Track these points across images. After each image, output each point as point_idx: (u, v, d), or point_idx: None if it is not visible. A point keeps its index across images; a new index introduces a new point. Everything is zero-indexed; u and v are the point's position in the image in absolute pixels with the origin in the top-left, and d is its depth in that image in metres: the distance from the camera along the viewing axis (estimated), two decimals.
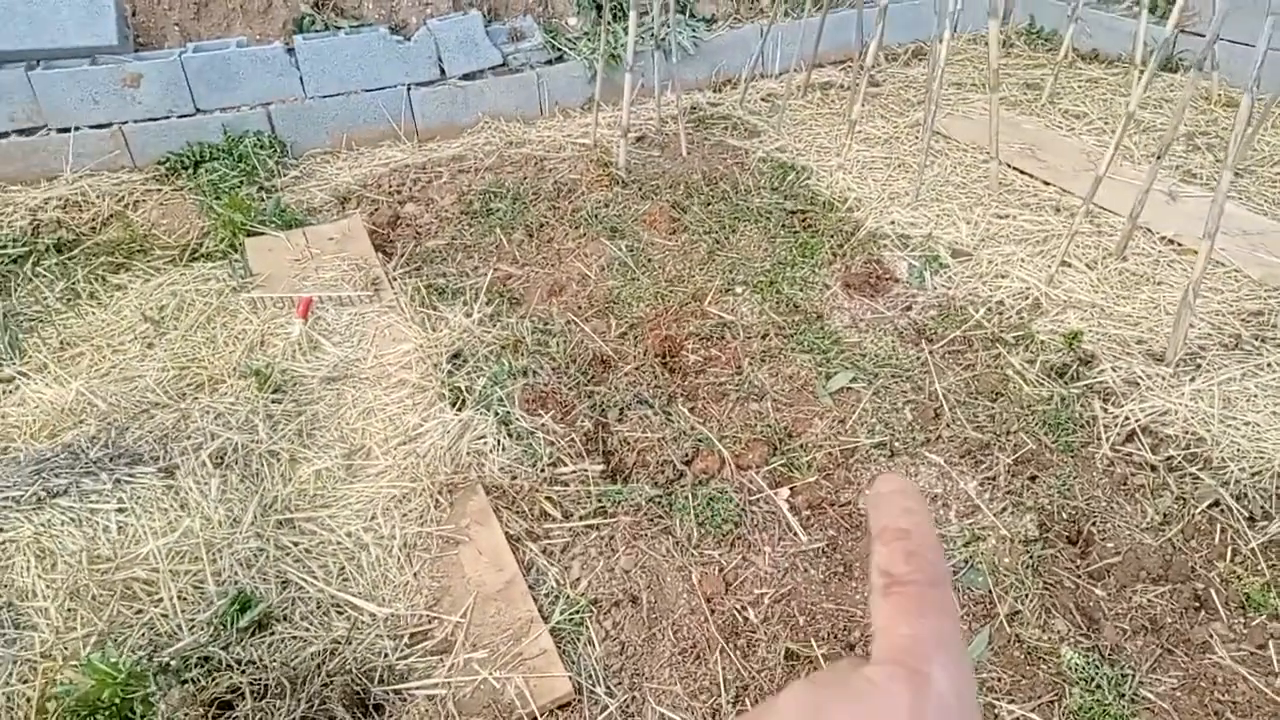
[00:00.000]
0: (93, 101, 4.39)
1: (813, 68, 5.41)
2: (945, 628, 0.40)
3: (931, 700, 0.37)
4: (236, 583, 2.31)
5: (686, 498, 2.67)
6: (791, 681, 0.38)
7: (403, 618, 2.28)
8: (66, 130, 4.40)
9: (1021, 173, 4.46)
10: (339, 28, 4.85)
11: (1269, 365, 3.07)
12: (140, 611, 2.23)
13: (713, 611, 2.34)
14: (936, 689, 0.37)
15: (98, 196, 4.27)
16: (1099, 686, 2.13)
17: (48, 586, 2.25)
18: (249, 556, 2.39)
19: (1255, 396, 2.94)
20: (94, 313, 3.54)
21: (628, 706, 2.14)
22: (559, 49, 5.21)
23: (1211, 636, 2.27)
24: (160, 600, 2.25)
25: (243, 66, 4.57)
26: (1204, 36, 3.33)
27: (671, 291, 3.69)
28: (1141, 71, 4.40)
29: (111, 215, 4.22)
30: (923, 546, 0.42)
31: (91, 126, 4.43)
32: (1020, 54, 6.02)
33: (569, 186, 4.48)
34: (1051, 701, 2.12)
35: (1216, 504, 2.59)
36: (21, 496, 2.45)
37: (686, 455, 2.87)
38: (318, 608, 2.30)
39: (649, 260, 3.90)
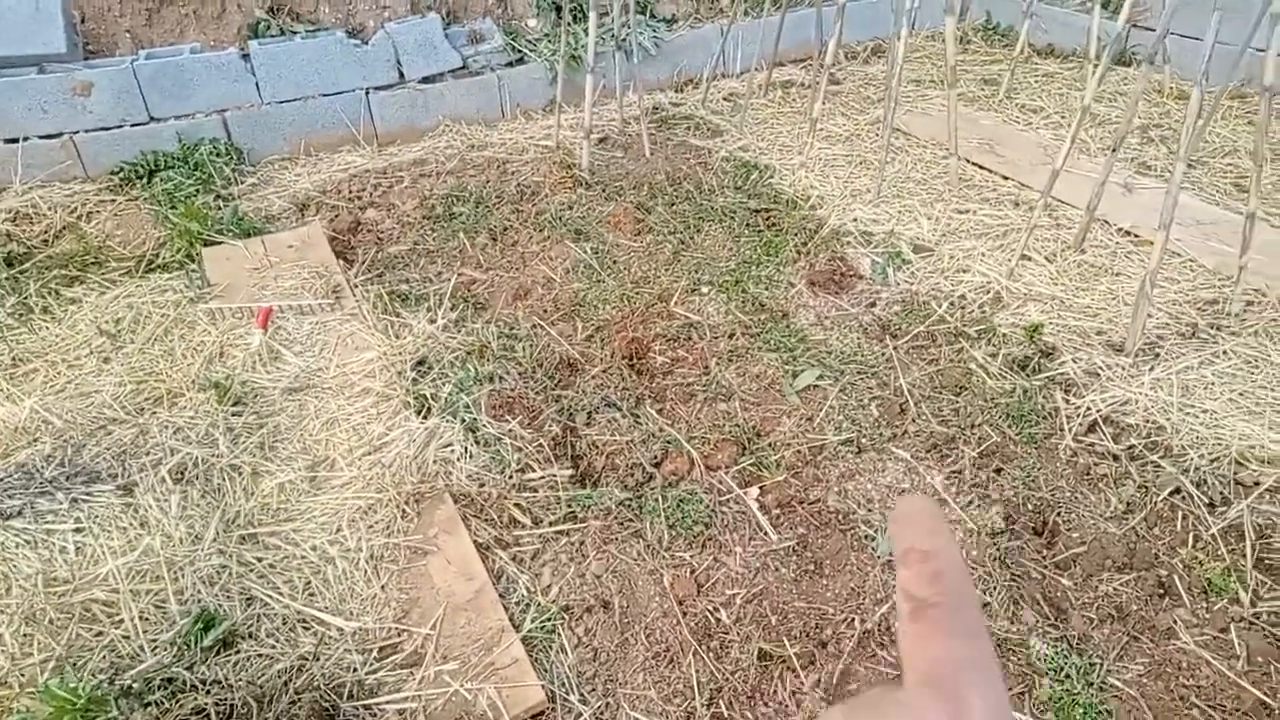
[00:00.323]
0: (41, 111, 4.29)
1: (773, 66, 5.43)
2: (977, 650, 0.38)
3: None
4: (199, 601, 2.26)
5: (656, 500, 2.66)
6: (828, 709, 0.37)
7: (371, 631, 2.25)
8: (14, 141, 4.29)
9: (981, 168, 4.50)
10: (295, 32, 4.78)
11: (1225, 353, 3.12)
12: (100, 634, 2.18)
13: (685, 614, 2.34)
14: (974, 716, 0.36)
15: (49, 208, 4.17)
16: (1068, 676, 2.15)
17: (1, 611, 2.19)
18: (212, 574, 2.34)
19: (1212, 384, 2.99)
20: (47, 327, 3.46)
21: (601, 713, 2.13)
22: (519, 51, 5.18)
23: (1176, 623, 2.30)
24: (121, 621, 2.20)
25: (197, 73, 4.49)
26: (1155, 31, 3.39)
27: (637, 293, 3.68)
28: (1095, 66, 4.46)
29: (64, 227, 4.12)
30: (947, 568, 0.41)
31: (41, 136, 4.33)
32: (977, 50, 6.09)
33: (532, 189, 4.45)
34: (1022, 693, 2.14)
35: (1177, 491, 2.64)
36: None
37: (655, 457, 2.86)
38: (284, 624, 2.26)
39: (614, 262, 3.89)
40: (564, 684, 2.18)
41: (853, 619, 2.32)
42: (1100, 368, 3.09)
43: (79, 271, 3.83)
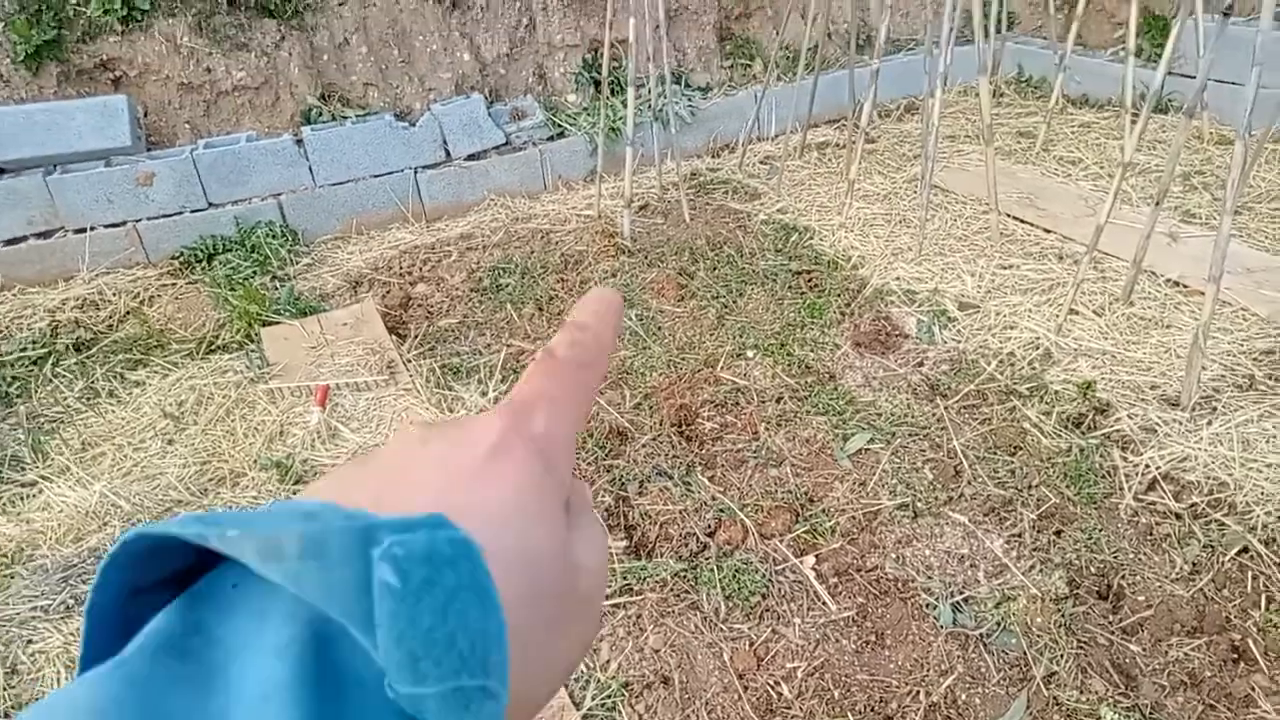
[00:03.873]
0: (107, 201, 4.50)
1: (808, 128, 5.51)
2: (567, 395, 0.40)
3: (526, 433, 0.37)
4: None
5: (712, 570, 2.66)
6: (407, 425, 0.38)
7: None
8: (82, 231, 4.50)
9: (1021, 222, 4.51)
10: (345, 117, 4.98)
11: None
12: None
13: (746, 689, 2.32)
14: (533, 427, 0.37)
15: (114, 294, 4.35)
16: None
17: None
18: None
19: (1275, 437, 2.93)
20: (114, 411, 3.58)
21: None
22: (560, 125, 5.33)
23: (1254, 690, 2.23)
24: None
25: (253, 160, 4.69)
26: (1190, 77, 3.40)
27: (683, 359, 3.72)
28: (1134, 117, 4.48)
29: (128, 312, 4.29)
30: (591, 339, 0.43)
31: (106, 226, 4.53)
32: (1011, 102, 6.13)
33: (576, 258, 4.54)
34: None
35: (1245, 550, 2.57)
36: (50, 605, 2.46)
37: (709, 526, 2.86)
38: None
39: (659, 328, 3.94)
40: None
41: (917, 691, 2.28)
42: (1157, 423, 3.05)
43: (143, 355, 3.97)
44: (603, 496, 2.96)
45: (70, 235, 4.50)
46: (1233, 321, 3.55)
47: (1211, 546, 2.60)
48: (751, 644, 2.45)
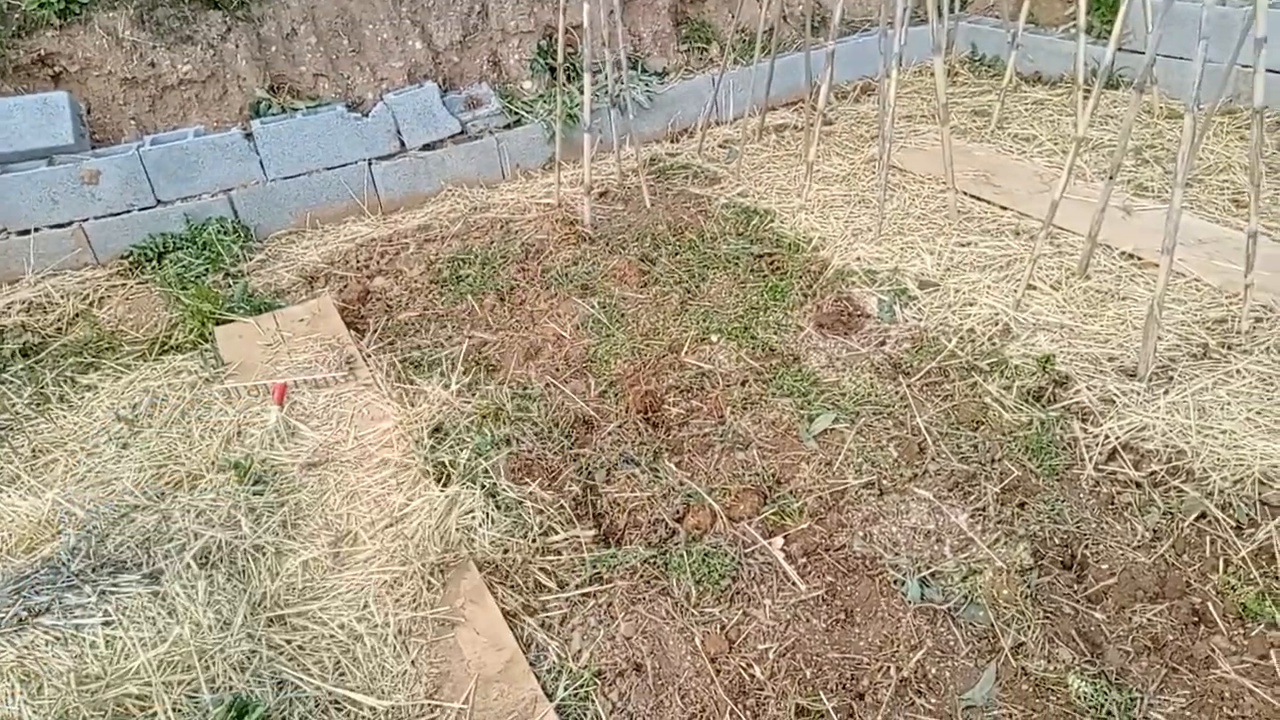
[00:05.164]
0: (51, 201, 4.37)
1: (766, 111, 5.51)
2: None
3: None
4: (231, 688, 2.25)
5: (681, 556, 2.65)
6: None
7: (404, 709, 2.24)
8: (26, 233, 4.37)
9: (978, 199, 4.54)
10: (295, 109, 4.88)
11: (1238, 372, 3.12)
12: None
13: (718, 672, 2.32)
14: None
15: (61, 296, 4.23)
16: (1109, 713, 2.12)
17: (35, 712, 2.18)
18: (242, 659, 2.33)
19: (1228, 404, 2.98)
20: (65, 416, 3.49)
21: None
22: (516, 113, 5.27)
23: (1214, 651, 2.27)
24: (155, 715, 2.19)
25: (202, 155, 4.58)
26: (1140, 53, 3.43)
27: (648, 345, 3.70)
28: (1086, 93, 4.53)
29: (77, 314, 4.18)
30: None
31: (51, 226, 4.40)
32: (965, 81, 6.17)
33: (536, 247, 4.50)
34: None
35: (1203, 516, 2.62)
36: (2, 619, 2.39)
37: (678, 512, 2.85)
38: (316, 706, 2.24)
39: (622, 315, 3.92)
40: None
41: (888, 666, 2.29)
42: (1115, 394, 3.09)
43: (94, 358, 3.86)
44: (570, 486, 2.94)
45: (13, 237, 4.36)
46: (1186, 292, 3.61)
47: (1171, 513, 2.65)
48: (723, 627, 2.44)
